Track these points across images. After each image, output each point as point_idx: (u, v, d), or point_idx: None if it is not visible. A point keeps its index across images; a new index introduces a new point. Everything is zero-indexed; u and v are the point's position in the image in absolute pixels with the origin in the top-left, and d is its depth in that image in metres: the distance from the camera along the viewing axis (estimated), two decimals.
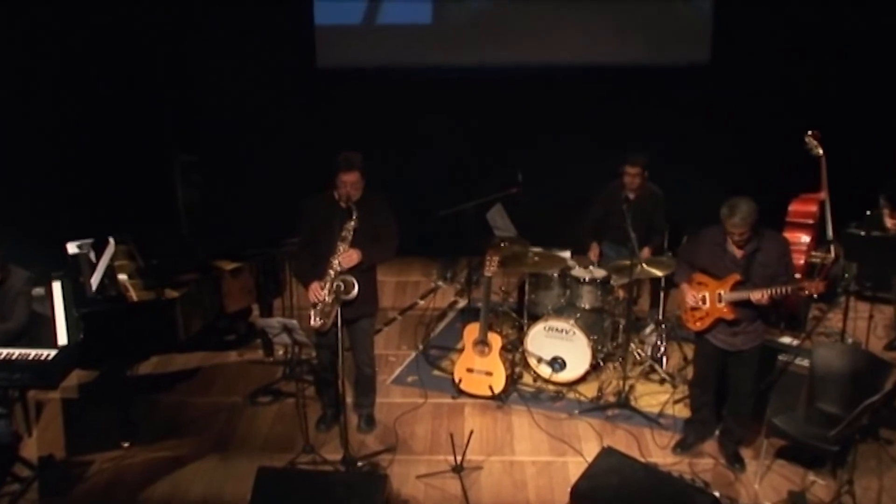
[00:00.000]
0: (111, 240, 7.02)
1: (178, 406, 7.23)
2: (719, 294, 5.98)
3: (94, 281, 6.58)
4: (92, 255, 6.72)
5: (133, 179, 9.51)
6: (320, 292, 6.23)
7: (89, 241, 6.76)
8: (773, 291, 5.81)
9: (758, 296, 5.85)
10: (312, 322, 6.27)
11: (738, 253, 5.94)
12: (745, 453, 6.42)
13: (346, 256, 6.20)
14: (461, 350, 7.44)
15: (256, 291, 7.68)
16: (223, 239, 8.10)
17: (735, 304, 5.97)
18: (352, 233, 6.17)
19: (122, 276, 7.06)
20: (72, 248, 6.70)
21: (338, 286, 6.18)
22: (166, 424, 6.95)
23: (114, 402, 6.64)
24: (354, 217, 6.14)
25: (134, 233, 7.44)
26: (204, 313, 7.08)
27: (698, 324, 6.12)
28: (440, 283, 9.66)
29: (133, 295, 6.84)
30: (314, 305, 6.26)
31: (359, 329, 6.52)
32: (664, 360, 7.59)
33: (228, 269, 7.46)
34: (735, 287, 5.94)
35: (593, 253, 7.92)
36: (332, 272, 6.22)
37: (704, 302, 6.04)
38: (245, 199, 9.90)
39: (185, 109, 10.09)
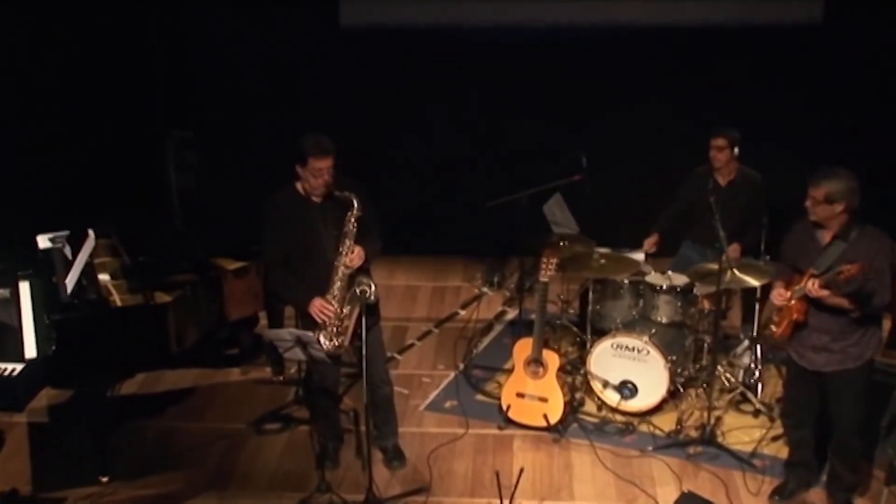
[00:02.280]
0: (90, 232, 7.04)
1: (169, 433, 7.25)
2: (795, 289, 5.95)
3: (70, 281, 6.59)
4: (67, 251, 6.75)
5: (116, 160, 9.55)
6: (330, 308, 6.23)
7: (64, 233, 6.78)
8: (841, 282, 5.65)
9: (811, 285, 5.76)
10: (326, 345, 6.27)
11: (825, 240, 5.89)
12: None
13: (354, 256, 6.22)
14: (510, 371, 7.43)
15: (264, 296, 7.69)
16: (225, 232, 8.13)
17: (809, 306, 5.91)
18: (356, 225, 6.20)
19: (104, 276, 7.09)
20: (43, 241, 6.72)
21: (362, 291, 6.18)
22: (154, 455, 6.96)
23: (91, 428, 6.65)
24: (356, 205, 6.17)
25: (118, 224, 7.47)
26: (201, 322, 7.09)
27: (774, 328, 6.12)
28: (485, 289, 9.65)
29: (116, 298, 6.87)
30: (320, 327, 6.27)
31: (372, 340, 6.49)
32: (759, 386, 7.53)
33: (231, 269, 7.48)
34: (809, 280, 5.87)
35: (648, 243, 7.96)
36: (338, 279, 6.23)
37: (791, 299, 6.00)
38: (252, 184, 9.91)
39: (180, 75, 10.13)
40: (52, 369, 6.19)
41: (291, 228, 6.25)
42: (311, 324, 6.28)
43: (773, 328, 6.11)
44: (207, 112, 10.23)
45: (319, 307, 6.23)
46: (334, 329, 6.27)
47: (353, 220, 6.18)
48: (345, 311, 6.26)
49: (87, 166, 9.37)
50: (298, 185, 6.30)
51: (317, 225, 6.24)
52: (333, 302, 6.24)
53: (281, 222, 6.27)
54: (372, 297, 6.21)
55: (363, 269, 6.33)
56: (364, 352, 6.07)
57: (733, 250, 7.56)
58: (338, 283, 6.23)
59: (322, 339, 6.25)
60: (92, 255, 6.98)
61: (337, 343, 6.29)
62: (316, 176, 6.15)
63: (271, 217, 6.30)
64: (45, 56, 9.21)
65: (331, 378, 6.61)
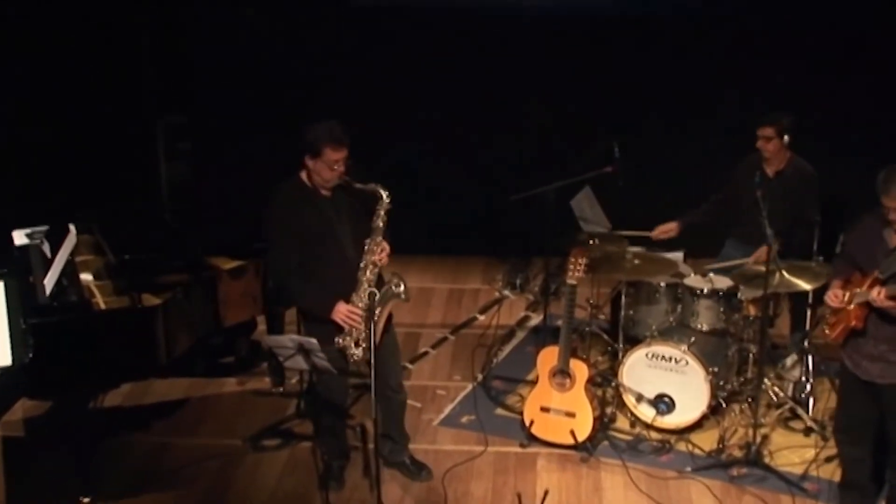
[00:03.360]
0: (72, 227, 7.05)
1: (157, 450, 7.25)
2: (854, 293, 5.93)
3: (49, 282, 6.58)
4: (46, 248, 6.74)
5: (101, 147, 9.58)
6: (358, 312, 6.23)
7: (43, 228, 6.77)
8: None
9: (875, 293, 5.74)
10: (354, 355, 6.29)
11: (894, 241, 5.86)
12: None
13: (383, 253, 6.25)
14: (534, 383, 7.42)
15: (263, 299, 7.68)
16: (220, 227, 8.16)
17: (870, 313, 5.87)
18: (386, 219, 6.21)
19: (86, 276, 7.09)
20: (19, 237, 6.72)
21: (396, 284, 6.22)
22: (140, 474, 6.95)
23: (71, 444, 6.65)
24: (385, 196, 6.18)
25: (102, 218, 7.48)
26: (193, 327, 7.08)
27: (828, 331, 6.13)
28: (507, 292, 9.65)
29: (100, 301, 6.86)
30: (344, 334, 6.26)
31: (386, 343, 6.50)
32: (811, 402, 7.48)
33: (227, 269, 7.47)
34: (873, 285, 5.84)
35: (660, 228, 8.01)
36: (367, 279, 6.24)
37: (850, 303, 5.96)
38: (250, 175, 9.92)
39: (172, 56, 10.13)
40: (28, 378, 6.17)
41: (303, 227, 6.24)
42: (319, 330, 6.25)
43: (826, 331, 6.11)
44: (202, 96, 10.23)
45: (347, 312, 6.22)
46: (358, 336, 6.27)
47: (382, 213, 6.21)
48: (375, 313, 6.24)
49: (68, 154, 9.38)
50: (304, 177, 6.28)
51: (331, 221, 6.23)
52: (360, 304, 6.24)
53: (292, 221, 6.25)
54: (404, 296, 6.24)
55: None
56: (372, 360, 6.01)
57: (762, 253, 7.57)
58: (365, 284, 6.24)
59: (348, 346, 6.27)
60: (73, 253, 6.98)
61: (363, 350, 6.30)
62: (332, 168, 6.15)
63: (280, 215, 6.27)
64: (20, 33, 9.21)
65: (338, 390, 6.60)
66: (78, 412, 6.63)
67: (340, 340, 6.25)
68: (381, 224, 6.23)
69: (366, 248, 6.24)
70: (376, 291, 6.13)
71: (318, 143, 6.12)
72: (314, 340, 6.10)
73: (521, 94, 9.95)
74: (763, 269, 6.92)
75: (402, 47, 9.98)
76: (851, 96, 9.36)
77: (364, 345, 6.28)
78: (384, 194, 6.20)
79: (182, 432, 7.46)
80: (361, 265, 6.26)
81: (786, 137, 7.64)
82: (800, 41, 9.56)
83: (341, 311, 6.23)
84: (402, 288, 6.25)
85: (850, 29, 9.50)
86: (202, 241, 7.73)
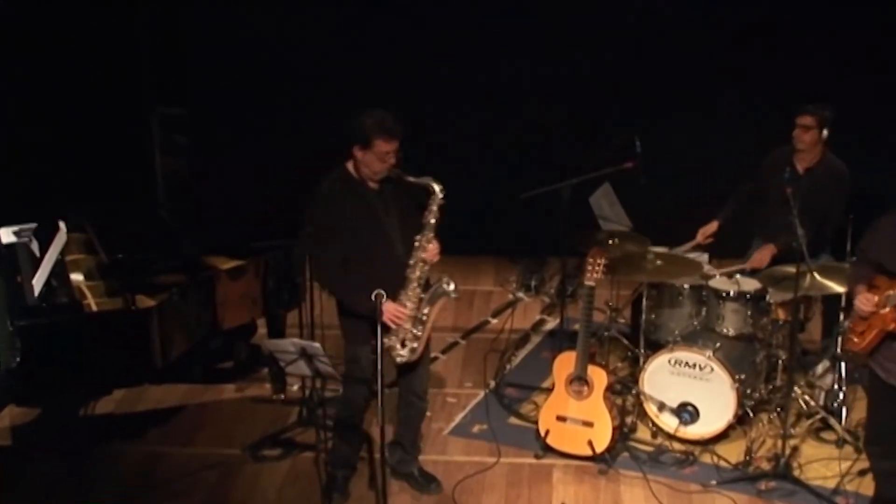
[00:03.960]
0: (62, 225, 7.04)
1: (152, 459, 7.25)
2: (887, 296, 5.89)
3: (38, 282, 6.59)
4: (35, 247, 6.75)
5: (93, 140, 9.59)
6: (405, 312, 6.24)
7: (31, 226, 6.79)
8: None
9: None
10: (399, 356, 6.31)
11: None
12: None
13: (434, 250, 6.28)
14: (549, 390, 7.42)
15: (263, 301, 7.68)
16: (219, 225, 8.16)
17: None
18: (439, 215, 6.23)
19: (77, 276, 7.09)
20: (6, 235, 6.73)
21: (446, 282, 6.26)
22: (134, 485, 6.95)
23: (62, 453, 6.66)
24: (438, 191, 6.20)
25: (94, 215, 7.48)
26: (190, 330, 7.08)
27: (856, 339, 6.09)
28: (521, 294, 9.66)
29: (91, 302, 6.87)
30: (390, 333, 6.27)
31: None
32: (844, 411, 7.47)
33: (225, 269, 7.47)
34: None
35: (703, 231, 8.00)
36: (416, 277, 6.26)
37: (885, 306, 5.94)
38: (251, 171, 9.93)
39: (169, 45, 10.13)
40: (16, 384, 6.18)
41: (350, 220, 6.23)
42: (358, 328, 6.23)
43: (855, 339, 6.09)
44: (200, 87, 10.23)
45: (394, 311, 6.22)
46: (409, 334, 6.29)
47: (435, 208, 6.23)
48: (422, 314, 6.29)
49: (58, 147, 9.38)
50: (350, 168, 6.27)
51: (378, 215, 6.24)
52: (408, 304, 6.25)
53: (337, 214, 6.23)
54: (455, 294, 6.28)
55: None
56: (379, 364, 5.99)
57: (765, 251, 7.64)
58: (415, 283, 6.26)
59: (396, 348, 6.30)
60: (63, 252, 6.98)
61: (412, 348, 6.33)
62: (383, 160, 6.15)
63: (325, 208, 6.24)
64: (8, 21, 9.21)
65: (363, 396, 6.59)
66: (68, 419, 6.64)
67: (386, 340, 6.24)
68: (432, 220, 6.23)
69: (416, 244, 6.25)
70: (383, 292, 6.09)
71: (369, 133, 6.09)
72: (317, 345, 6.11)
73: (535, 86, 9.94)
74: (793, 270, 6.90)
75: (406, 39, 10.00)
76: (883, 92, 9.35)
77: (411, 345, 6.30)
78: (437, 188, 6.19)
79: (177, 441, 7.46)
80: (411, 262, 6.26)
81: (825, 131, 7.62)
82: (824, 34, 9.57)
83: (389, 310, 6.20)
84: (452, 287, 6.27)
85: (881, 23, 9.52)
86: (200, 240, 7.74)
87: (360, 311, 6.22)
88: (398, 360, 6.33)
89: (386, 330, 6.23)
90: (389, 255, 6.25)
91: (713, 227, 8.02)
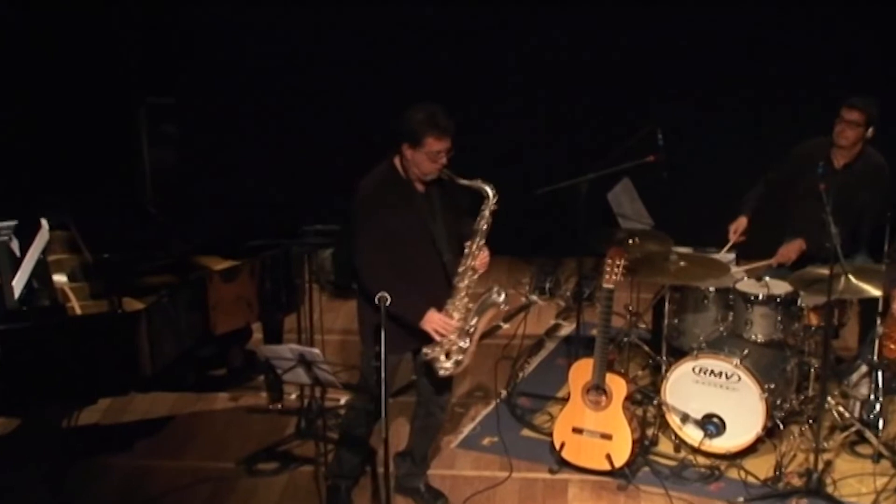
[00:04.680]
0: (44, 222, 7.04)
1: (139, 474, 7.26)
2: None
3: (18, 284, 6.59)
4: (15, 245, 6.75)
5: (77, 132, 9.60)
6: (452, 323, 6.25)
7: (11, 223, 6.77)
8: None
9: None
10: (444, 369, 6.32)
11: None
12: None
13: (484, 258, 6.31)
14: (565, 400, 7.41)
15: (259, 304, 7.68)
16: (211, 223, 8.16)
17: None
18: (491, 220, 6.26)
19: (60, 277, 7.09)
20: None
21: (497, 292, 6.28)
22: (120, 500, 6.96)
23: (43, 467, 6.67)
24: (492, 195, 6.22)
25: (77, 212, 7.49)
26: (181, 335, 7.08)
27: (893, 346, 6.23)
28: (534, 297, 9.68)
29: (75, 305, 6.85)
30: (434, 344, 6.29)
31: None
32: (880, 423, 7.47)
33: (219, 270, 7.47)
34: None
35: (734, 227, 8.00)
36: (465, 287, 6.28)
37: None
38: (246, 163, 9.94)
39: (158, 29, 10.14)
40: None
41: (397, 224, 6.23)
42: (393, 334, 6.11)
43: (892, 346, 6.11)
44: (191, 74, 10.24)
45: (441, 322, 6.24)
46: (454, 346, 6.30)
47: (487, 213, 6.25)
48: (469, 326, 6.31)
49: (40, 140, 9.38)
50: (398, 167, 6.27)
51: (424, 217, 6.26)
52: (455, 314, 6.27)
53: (384, 216, 6.23)
54: (504, 305, 6.31)
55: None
56: (383, 373, 5.99)
57: (793, 245, 7.63)
58: (463, 292, 6.28)
59: (439, 359, 6.30)
60: (45, 251, 6.98)
61: (456, 360, 6.34)
62: (434, 160, 6.15)
63: (375, 209, 6.23)
64: None
65: (374, 412, 6.54)
66: (50, 431, 6.64)
67: (429, 352, 6.27)
68: (485, 226, 6.25)
69: (465, 251, 6.26)
70: (386, 296, 6.07)
71: (419, 131, 6.08)
72: (317, 351, 6.13)
73: (549, 74, 9.95)
74: (826, 272, 6.89)
75: (411, 26, 10.05)
76: None
77: (456, 357, 6.30)
78: (491, 192, 6.20)
79: (167, 454, 7.47)
80: (460, 270, 6.28)
81: (871, 129, 7.62)
82: (863, 20, 9.59)
83: (434, 321, 6.23)
84: (502, 297, 6.29)
85: None
86: (191, 238, 7.75)
87: (404, 318, 6.23)
88: (441, 373, 6.33)
89: (430, 341, 6.29)
90: (437, 261, 6.28)
91: (742, 222, 8.01)
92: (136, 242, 7.65)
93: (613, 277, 7.06)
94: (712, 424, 7.30)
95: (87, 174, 9.41)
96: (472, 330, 6.30)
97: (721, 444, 7.31)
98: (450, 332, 6.25)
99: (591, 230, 7.84)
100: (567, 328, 9.13)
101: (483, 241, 6.27)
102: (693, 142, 9.23)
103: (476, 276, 6.31)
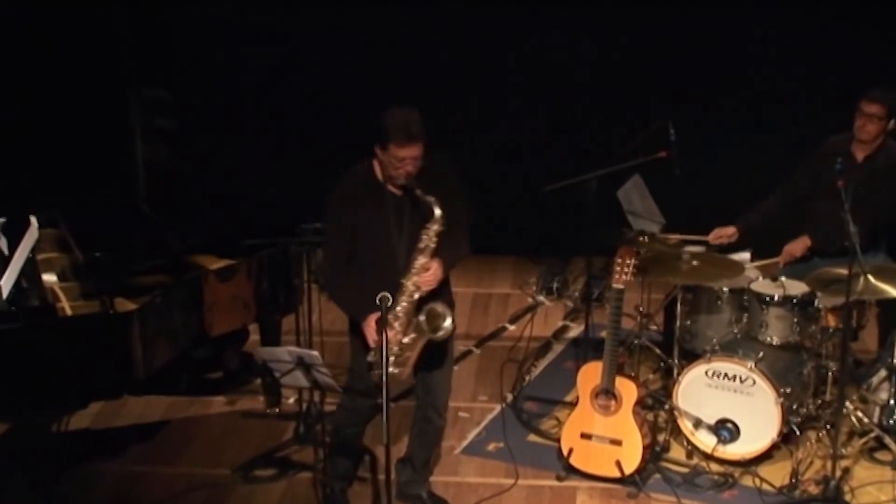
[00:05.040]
0: (33, 220, 7.04)
1: (132, 480, 7.27)
2: None
3: (6, 283, 6.60)
4: (3, 244, 6.78)
5: (67, 126, 9.59)
6: (390, 332, 6.21)
7: None
8: None
9: None
10: (377, 372, 6.23)
11: None
12: None
13: (427, 277, 6.21)
14: (573, 404, 7.42)
15: (256, 305, 7.70)
16: (207, 220, 8.18)
17: None
18: (436, 241, 6.19)
19: (50, 277, 7.10)
20: None
21: (431, 323, 6.20)
22: None
23: (32, 473, 6.68)
24: (438, 216, 6.14)
25: (68, 209, 7.48)
26: (175, 337, 7.10)
27: None
28: (541, 297, 9.67)
29: (65, 305, 6.87)
30: (376, 350, 6.24)
31: (438, 357, 6.53)
32: None
33: (214, 269, 7.48)
34: None
35: (715, 234, 7.99)
36: (405, 300, 6.24)
37: None
38: (243, 159, 9.94)
39: (152, 18, 10.14)
40: None
41: (359, 223, 6.26)
42: (362, 346, 6.30)
43: None
44: (186, 66, 10.24)
45: (376, 328, 6.22)
46: (391, 357, 6.22)
47: (432, 234, 6.18)
48: (407, 339, 6.26)
49: (29, 134, 9.37)
50: (376, 167, 6.28)
51: (390, 224, 6.24)
52: (395, 324, 6.24)
53: (348, 213, 6.27)
54: (442, 333, 6.23)
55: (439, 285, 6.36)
56: (384, 377, 5.99)
57: (797, 243, 7.69)
58: (403, 305, 6.23)
59: (375, 364, 6.26)
60: (34, 250, 6.98)
61: (393, 372, 6.25)
62: (397, 166, 6.13)
63: (339, 202, 6.29)
64: None
65: (363, 411, 6.65)
66: (39, 436, 6.64)
67: (371, 356, 6.27)
68: (429, 244, 6.18)
69: (411, 266, 6.22)
70: (388, 296, 6.08)
71: (385, 135, 6.07)
72: (316, 353, 6.14)
73: (555, 69, 9.94)
74: (845, 272, 6.89)
75: (416, 20, 10.03)
76: None
77: (391, 369, 6.20)
78: (438, 213, 6.12)
79: (160, 460, 7.47)
80: (403, 281, 6.24)
81: (893, 122, 7.62)
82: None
83: (371, 325, 6.22)
84: (440, 323, 6.20)
85: None
86: (185, 237, 7.78)
87: (349, 315, 6.37)
88: (375, 380, 6.25)
89: (366, 346, 6.28)
90: (392, 268, 6.24)
91: (729, 231, 7.98)
92: (128, 241, 7.68)
93: (623, 277, 7.05)
94: (726, 430, 7.29)
95: (77, 169, 9.41)
96: (406, 343, 6.24)
97: (735, 451, 7.30)
98: (390, 339, 6.14)
99: (601, 228, 7.82)
100: (575, 330, 9.11)
101: (426, 259, 6.19)
102: (707, 136, 9.21)
103: (419, 293, 6.22)
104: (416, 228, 6.23)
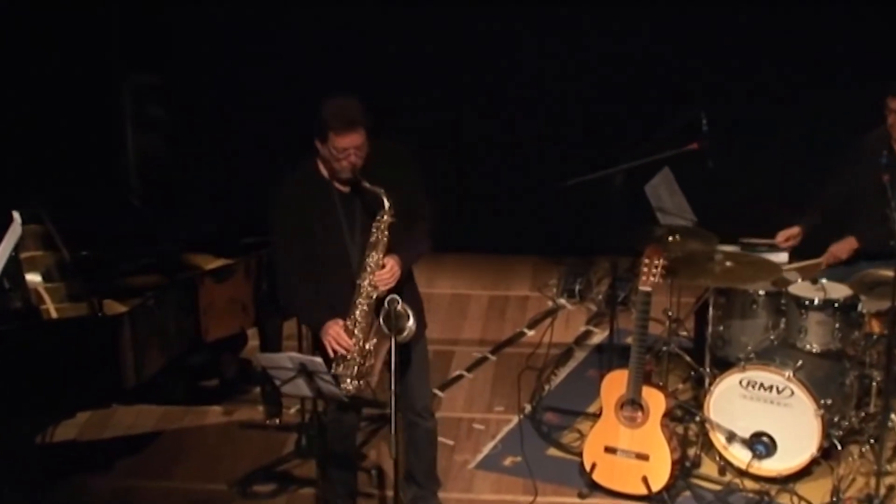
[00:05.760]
0: (16, 216, 7.06)
1: (121, 495, 7.28)
2: None
3: None
4: None
5: (52, 114, 9.61)
6: (345, 340, 6.23)
7: None
8: None
9: None
10: (343, 385, 6.24)
11: None
12: None
13: (383, 274, 6.19)
14: (597, 416, 7.44)
15: (256, 308, 7.72)
16: (202, 217, 8.18)
17: None
18: (387, 234, 6.17)
19: (34, 277, 7.11)
20: None
21: (391, 324, 6.13)
22: None
23: (16, 487, 6.68)
24: (387, 207, 6.12)
25: (53, 204, 7.49)
26: (168, 341, 7.11)
27: None
28: (562, 300, 9.69)
29: (50, 308, 6.89)
30: (337, 361, 6.26)
31: (406, 357, 6.48)
32: None
33: (210, 270, 7.49)
34: None
35: (783, 234, 7.98)
36: (362, 302, 6.22)
37: None
38: (240, 152, 9.96)
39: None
40: None
41: (308, 225, 6.26)
42: (324, 353, 6.30)
43: None
44: (180, 50, 10.26)
45: (335, 335, 6.22)
46: (355, 367, 6.25)
47: (382, 226, 6.16)
48: (369, 345, 6.24)
49: (10, 123, 9.39)
50: (320, 165, 6.29)
51: (340, 223, 6.23)
52: (355, 331, 6.23)
53: (297, 214, 6.27)
54: (406, 333, 6.17)
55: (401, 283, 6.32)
56: (393, 386, 6.01)
57: (843, 244, 7.67)
58: (361, 307, 6.22)
59: (338, 375, 6.23)
60: (17, 248, 6.98)
61: (357, 385, 6.27)
62: (339, 157, 6.12)
63: (284, 206, 6.30)
64: None
65: (348, 422, 6.65)
66: (22, 448, 6.65)
67: (334, 366, 6.24)
68: (381, 238, 6.16)
69: (365, 266, 6.20)
70: (397, 298, 6.09)
71: (323, 125, 6.08)
72: (319, 360, 6.10)
73: (577, 53, 9.95)
74: (890, 274, 6.88)
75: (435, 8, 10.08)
76: None
77: (355, 382, 6.23)
78: (387, 204, 6.10)
79: (152, 474, 7.49)
80: (358, 283, 6.21)
81: None
82: None
83: (329, 333, 6.23)
84: (403, 323, 6.14)
85: None
86: (180, 234, 7.78)
87: (306, 324, 6.45)
88: (346, 391, 6.21)
89: (325, 356, 6.25)
90: (345, 269, 6.24)
91: (795, 232, 7.98)
92: (118, 238, 7.68)
93: (651, 279, 7.06)
94: (761, 444, 7.29)
95: (63, 162, 9.42)
96: (368, 350, 6.21)
97: (771, 467, 7.30)
98: (346, 348, 6.20)
99: (627, 226, 7.83)
100: (599, 336, 9.13)
101: (381, 256, 6.16)
102: (742, 126, 9.22)
103: (376, 294, 6.19)
104: (368, 226, 6.21)
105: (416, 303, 6.41)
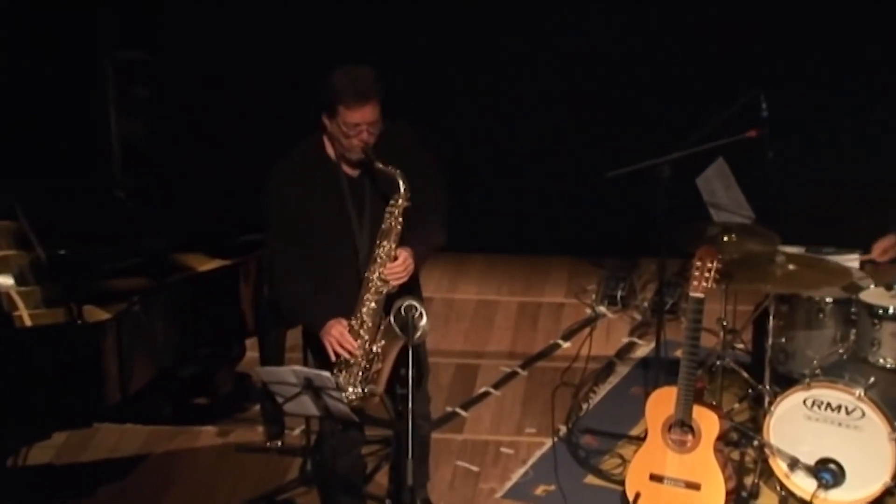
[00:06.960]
0: None
1: None
2: None
3: None
4: None
5: (26, 95, 9.65)
6: (350, 342, 6.25)
7: None
8: None
9: None
10: (346, 394, 6.24)
11: None
12: None
13: (395, 267, 6.19)
14: (641, 439, 7.46)
15: (255, 315, 7.75)
16: (194, 211, 8.22)
17: None
18: (402, 221, 6.17)
19: (6, 279, 7.17)
20: None
21: (403, 322, 6.11)
22: None
23: None
24: (403, 190, 6.13)
25: (26, 197, 7.53)
26: (156, 353, 7.15)
27: None
28: (602, 308, 9.70)
29: (24, 314, 6.92)
30: (340, 366, 6.29)
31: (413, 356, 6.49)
32: None
33: (204, 271, 7.53)
34: None
35: (880, 247, 7.91)
36: (370, 298, 6.24)
37: None
38: (236, 136, 9.99)
39: None
40: None
41: (311, 213, 6.26)
42: (323, 359, 6.32)
43: None
44: (169, 24, 10.30)
45: (338, 336, 6.23)
46: (359, 372, 6.28)
47: (397, 212, 6.16)
48: (376, 347, 6.26)
49: None
50: (327, 144, 6.30)
51: (347, 209, 6.24)
52: (361, 331, 6.26)
53: (296, 199, 6.27)
54: (420, 334, 6.15)
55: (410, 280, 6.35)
56: (408, 415, 6.03)
57: (887, 241, 7.71)
58: (368, 304, 6.23)
59: (341, 381, 6.25)
60: None
61: (361, 392, 6.29)
62: (349, 134, 6.11)
63: (282, 189, 6.29)
64: None
65: (353, 436, 6.66)
66: None
67: (335, 372, 6.25)
68: (395, 225, 6.17)
69: (375, 256, 6.20)
70: (415, 304, 6.10)
71: (333, 97, 6.07)
72: (327, 374, 6.12)
73: (623, 33, 9.98)
74: None
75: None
76: None
77: (359, 388, 6.25)
78: (402, 186, 6.10)
79: (138, 501, 7.53)
80: (366, 276, 6.22)
81: None
82: None
83: (332, 334, 6.23)
84: (416, 322, 6.10)
85: None
86: (169, 231, 7.82)
87: (307, 326, 6.41)
88: (347, 399, 6.21)
89: (326, 360, 6.28)
90: (353, 263, 6.26)
91: (891, 241, 7.93)
92: (100, 236, 7.71)
93: (703, 284, 7.04)
94: (828, 472, 7.27)
95: (38, 149, 9.46)
96: (375, 353, 6.23)
97: (839, 497, 7.29)
98: (351, 350, 6.22)
99: (676, 224, 7.86)
100: (644, 348, 9.15)
101: (393, 246, 6.16)
102: (807, 111, 9.22)
103: (387, 288, 6.20)
104: (379, 215, 6.20)
105: (417, 291, 6.46)
